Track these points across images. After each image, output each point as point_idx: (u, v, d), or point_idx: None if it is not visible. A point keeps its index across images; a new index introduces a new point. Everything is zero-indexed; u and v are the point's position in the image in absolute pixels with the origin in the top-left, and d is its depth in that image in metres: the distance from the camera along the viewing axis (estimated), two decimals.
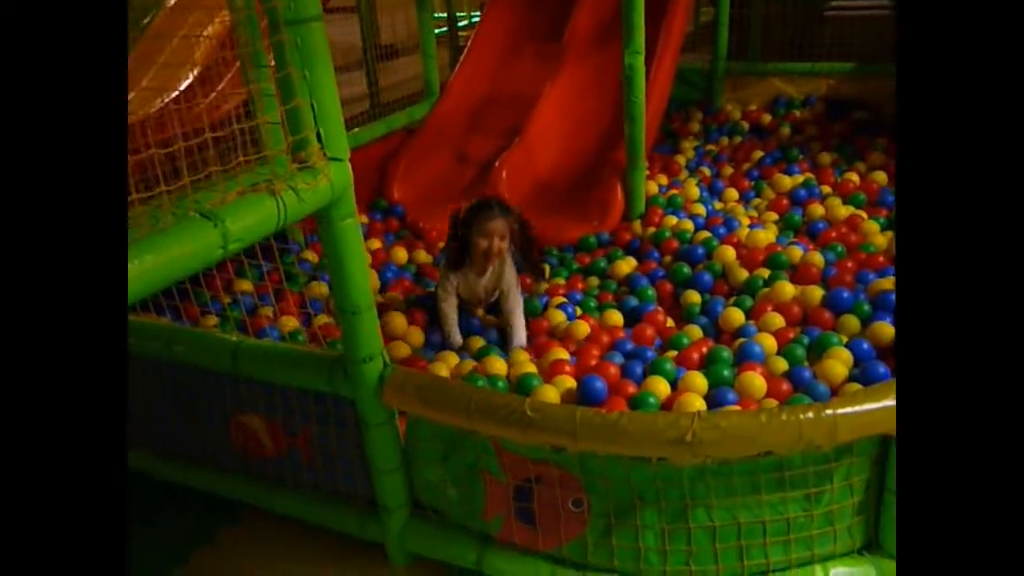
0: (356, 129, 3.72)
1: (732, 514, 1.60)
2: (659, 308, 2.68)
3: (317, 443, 1.85)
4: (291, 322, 2.67)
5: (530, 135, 3.83)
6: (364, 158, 3.76)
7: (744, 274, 2.73)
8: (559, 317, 2.69)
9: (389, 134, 3.92)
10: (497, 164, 3.71)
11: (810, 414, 1.47)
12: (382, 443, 1.73)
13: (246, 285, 2.93)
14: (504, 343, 2.56)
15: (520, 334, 2.51)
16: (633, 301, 2.77)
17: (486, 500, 1.72)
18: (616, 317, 2.62)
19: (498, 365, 2.21)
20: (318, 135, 1.40)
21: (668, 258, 3.03)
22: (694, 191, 3.53)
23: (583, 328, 2.57)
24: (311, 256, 3.21)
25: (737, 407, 1.96)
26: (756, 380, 2.09)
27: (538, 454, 1.61)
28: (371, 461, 1.76)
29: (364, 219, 3.68)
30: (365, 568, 1.89)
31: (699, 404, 2.00)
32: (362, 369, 1.63)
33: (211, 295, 2.85)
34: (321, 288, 2.84)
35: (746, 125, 4.41)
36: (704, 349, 2.35)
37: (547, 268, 3.05)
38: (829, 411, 1.47)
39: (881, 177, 3.46)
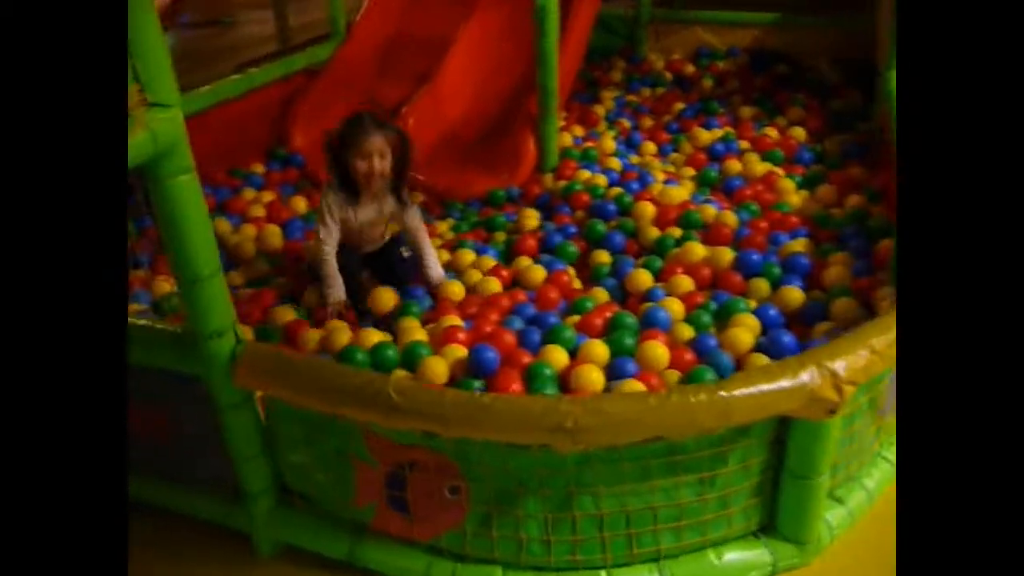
0: (252, 70, 3.42)
1: (621, 501, 1.48)
2: (567, 269, 2.54)
3: (172, 423, 1.66)
4: (166, 285, 2.44)
5: (440, 81, 3.60)
6: (261, 102, 3.49)
7: (655, 233, 2.60)
8: (468, 257, 2.53)
9: (289, 76, 3.63)
10: (404, 111, 3.47)
11: (703, 396, 1.34)
12: (240, 427, 1.55)
13: None
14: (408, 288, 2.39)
15: (436, 267, 2.41)
16: (547, 258, 2.62)
17: (356, 487, 1.56)
18: (539, 272, 2.47)
19: (378, 336, 2.04)
20: (134, 71, 1.18)
21: (580, 213, 2.88)
22: (610, 144, 3.38)
23: (493, 285, 2.42)
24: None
25: (635, 381, 1.85)
26: (658, 349, 1.97)
27: (409, 438, 1.45)
28: (230, 446, 1.57)
29: (261, 168, 3.43)
30: (230, 559, 1.72)
31: (596, 376, 1.88)
32: (210, 346, 1.44)
33: None
34: None
35: (669, 76, 4.26)
36: (608, 314, 2.21)
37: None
38: (723, 392, 1.35)
39: (799, 133, 3.36)
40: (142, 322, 1.56)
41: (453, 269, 2.56)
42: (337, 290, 2.25)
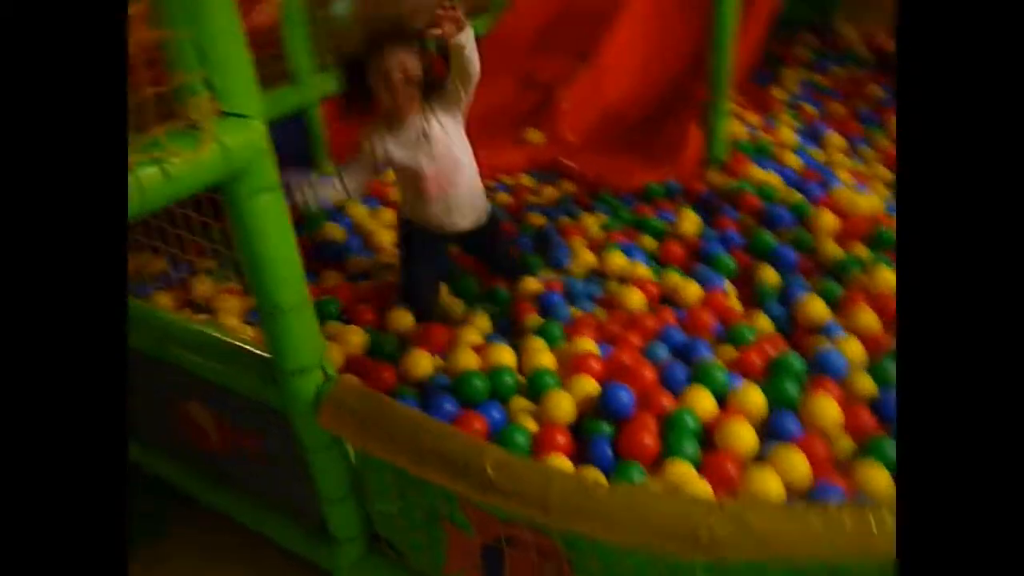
0: None
1: None
2: (725, 287, 2.20)
3: (265, 447, 1.53)
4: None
5: (600, 59, 3.30)
6: None
7: (836, 251, 2.21)
8: (619, 259, 2.26)
9: None
10: (559, 92, 3.21)
11: (888, 521, 1.01)
12: (327, 468, 1.38)
13: None
14: None
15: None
16: (703, 269, 2.30)
17: (448, 552, 1.36)
18: (693, 288, 2.16)
19: (505, 355, 1.81)
20: (206, 79, 1.00)
21: (747, 218, 2.51)
22: (789, 135, 2.95)
23: (637, 298, 2.14)
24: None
25: (793, 448, 1.52)
26: (829, 407, 1.63)
27: (507, 514, 1.22)
28: (317, 487, 1.42)
29: None
30: None
31: (748, 435, 1.57)
32: (293, 383, 1.27)
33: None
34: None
35: (868, 54, 3.71)
36: (772, 352, 1.88)
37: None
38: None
39: None
40: (232, 340, 1.42)
41: (600, 274, 2.29)
42: (303, 193, 1.88)
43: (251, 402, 1.46)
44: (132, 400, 1.73)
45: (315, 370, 1.27)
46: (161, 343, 1.45)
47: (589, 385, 1.73)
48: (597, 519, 1.07)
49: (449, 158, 1.97)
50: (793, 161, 2.75)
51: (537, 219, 2.71)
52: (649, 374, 1.76)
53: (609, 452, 1.61)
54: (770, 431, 1.62)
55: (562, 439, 1.63)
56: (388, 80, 1.82)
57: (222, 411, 1.57)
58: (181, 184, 0.98)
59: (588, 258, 2.34)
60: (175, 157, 0.96)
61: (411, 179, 1.97)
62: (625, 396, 1.67)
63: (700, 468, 1.52)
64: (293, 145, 2.89)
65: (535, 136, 3.17)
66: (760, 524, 1.03)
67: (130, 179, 0.92)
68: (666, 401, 1.69)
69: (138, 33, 0.93)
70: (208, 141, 1.00)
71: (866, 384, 1.72)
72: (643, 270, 2.25)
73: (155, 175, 0.95)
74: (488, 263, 2.29)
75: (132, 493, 1.83)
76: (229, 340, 1.41)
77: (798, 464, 1.48)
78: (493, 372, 1.77)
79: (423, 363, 1.76)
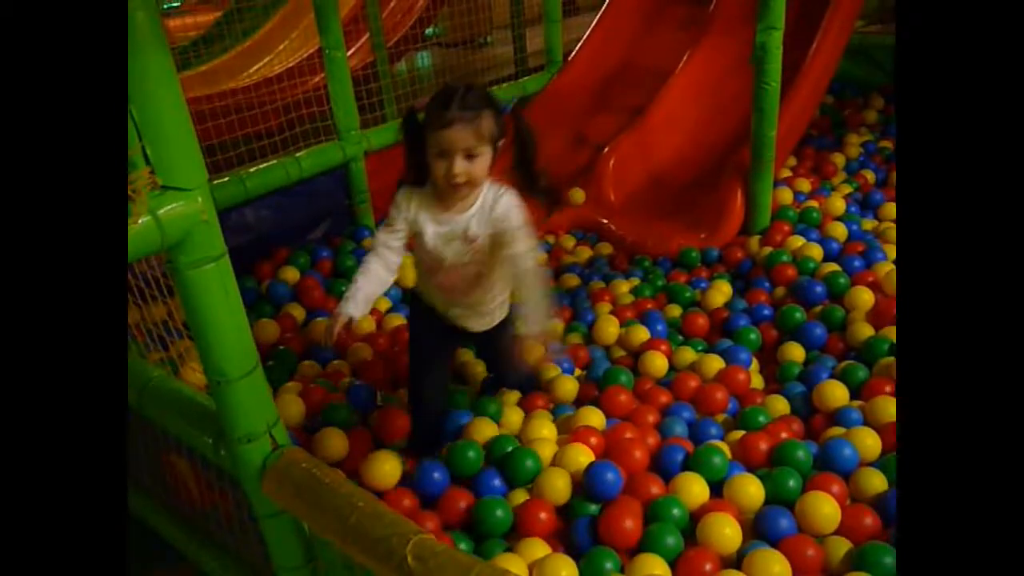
0: None
1: None
2: (748, 364, 2.10)
3: (234, 508, 1.53)
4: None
5: (650, 119, 3.26)
6: None
7: (867, 331, 2.08)
8: (641, 335, 2.20)
9: None
10: (606, 151, 3.19)
11: None
12: (279, 537, 1.36)
13: (291, 274, 2.67)
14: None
15: (538, 310, 1.56)
16: (726, 343, 2.21)
17: None
18: (711, 363, 2.07)
19: (486, 428, 1.78)
20: (144, 153, 1.02)
21: (780, 291, 2.41)
22: (839, 204, 2.83)
23: (659, 363, 2.08)
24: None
25: (772, 553, 1.41)
26: (826, 506, 1.51)
27: None
28: (270, 555, 1.40)
29: None
30: None
31: (731, 532, 1.48)
32: (241, 450, 1.26)
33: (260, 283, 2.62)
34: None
35: None
36: (783, 435, 1.77)
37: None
38: None
39: None
40: (194, 396, 1.43)
41: (623, 347, 2.23)
42: (355, 304, 1.58)
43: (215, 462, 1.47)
44: (128, 448, 1.79)
45: (262, 438, 1.26)
46: (139, 398, 1.48)
47: (586, 459, 1.67)
48: None
49: (475, 273, 1.67)
50: (839, 232, 2.62)
51: (572, 280, 2.68)
52: (639, 455, 1.69)
53: (587, 536, 1.55)
54: (761, 527, 1.52)
55: (545, 516, 1.58)
56: (448, 161, 1.49)
57: (198, 466, 1.58)
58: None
59: (611, 329, 2.29)
60: None
61: (427, 260, 1.68)
62: (611, 476, 1.60)
63: (676, 563, 1.44)
64: (337, 198, 2.97)
65: (578, 196, 3.15)
66: None
67: None
68: (654, 488, 1.61)
69: None
70: (140, 214, 1.02)
71: (875, 482, 1.59)
72: (660, 347, 2.16)
73: None
74: (494, 370, 2.05)
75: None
76: (191, 398, 1.42)
77: (779, 571, 1.38)
78: (489, 444, 1.75)
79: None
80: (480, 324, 1.80)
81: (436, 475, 1.69)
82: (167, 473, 1.71)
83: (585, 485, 1.62)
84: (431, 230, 1.61)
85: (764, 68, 2.50)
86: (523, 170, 1.64)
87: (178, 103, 1.04)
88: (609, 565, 1.43)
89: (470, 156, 1.50)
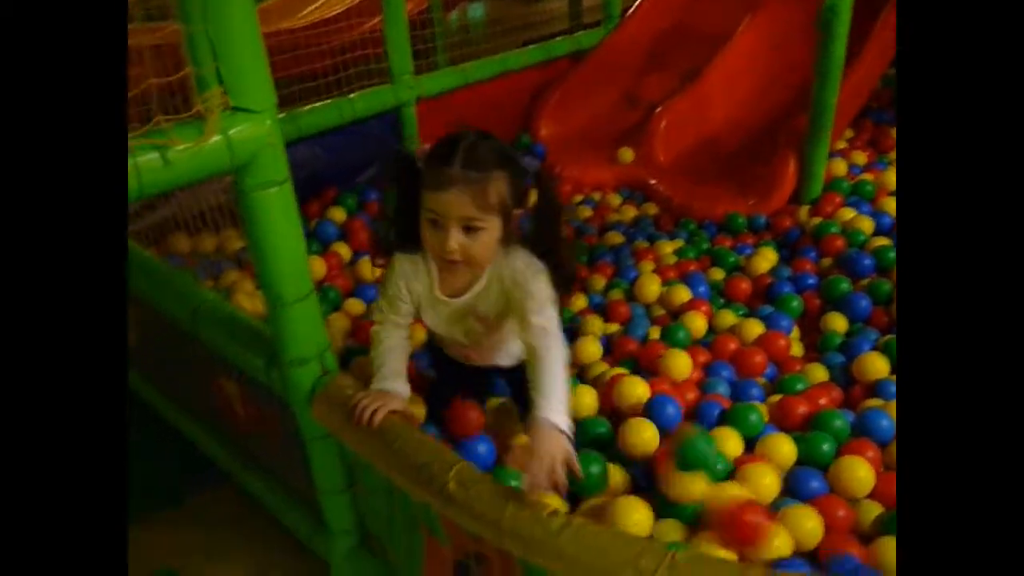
0: (503, 54, 3.29)
1: None
2: (789, 331, 2.09)
3: (281, 430, 1.58)
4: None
5: (706, 82, 3.21)
6: (513, 86, 3.36)
7: None
8: (683, 295, 2.20)
9: (549, 61, 3.45)
10: (658, 111, 3.15)
11: None
12: (323, 460, 1.41)
13: (339, 214, 2.71)
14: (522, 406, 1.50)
15: (557, 396, 1.23)
16: (767, 309, 2.21)
17: (424, 563, 1.36)
18: (751, 327, 2.07)
19: None
20: (217, 73, 1.04)
21: (827, 262, 2.39)
22: (894, 179, 2.77)
23: (699, 323, 2.08)
24: None
25: (807, 508, 1.43)
26: (861, 470, 1.51)
27: (476, 531, 1.21)
28: (313, 476, 1.45)
29: None
30: None
31: (770, 481, 1.49)
32: (292, 373, 1.31)
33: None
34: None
35: None
36: (822, 401, 1.77)
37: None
38: None
39: None
40: (247, 320, 1.47)
41: (664, 306, 2.24)
42: (390, 381, 1.34)
43: (266, 385, 1.52)
44: (174, 365, 1.85)
45: (313, 362, 1.30)
46: (193, 319, 1.53)
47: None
48: (545, 549, 1.04)
49: (495, 340, 1.46)
50: (892, 207, 2.58)
51: (616, 237, 2.68)
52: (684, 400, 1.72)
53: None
54: (793, 485, 1.53)
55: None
56: (442, 232, 1.21)
57: (247, 389, 1.63)
58: (181, 171, 1.03)
59: (653, 287, 2.29)
60: (177, 145, 1.02)
61: (435, 333, 1.48)
62: (672, 410, 1.63)
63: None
64: (387, 141, 2.98)
65: (626, 155, 3.13)
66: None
67: (129, 163, 0.98)
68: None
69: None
70: (212, 133, 1.04)
71: None
72: (701, 305, 2.17)
73: (154, 161, 1.00)
74: (519, 402, 1.61)
75: (151, 463, 1.97)
76: (244, 321, 1.46)
77: (812, 527, 1.39)
78: None
79: None
80: (510, 360, 1.53)
81: (482, 448, 1.55)
82: (216, 397, 1.77)
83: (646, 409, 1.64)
84: (431, 312, 1.38)
85: (830, 32, 2.44)
86: (540, 248, 1.30)
87: (252, 26, 1.06)
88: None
89: (470, 228, 1.20)
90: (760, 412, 1.70)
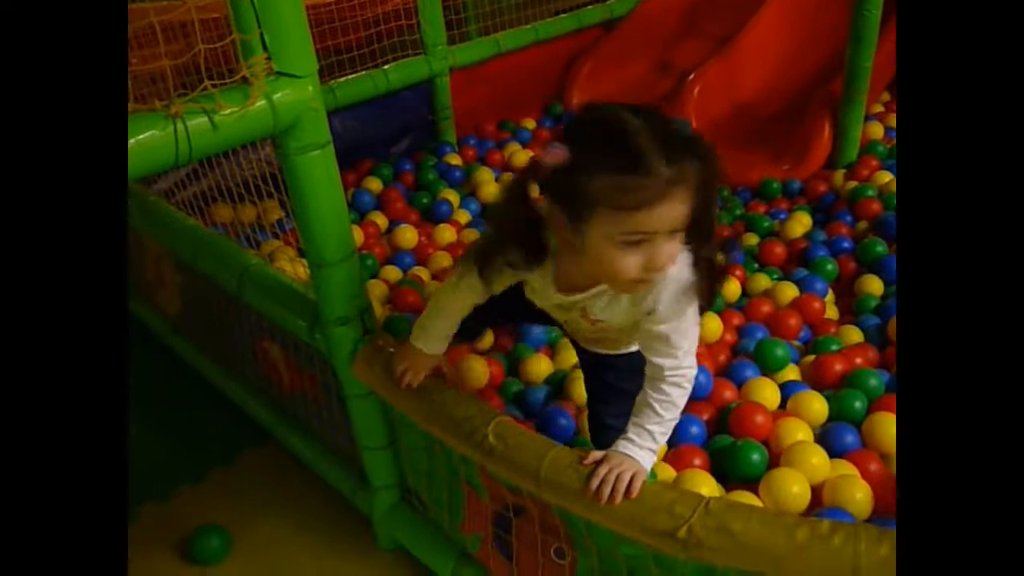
0: (539, 22, 3.28)
1: None
2: (824, 293, 2.10)
3: (322, 390, 1.63)
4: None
5: (739, 46, 3.18)
6: (545, 55, 3.35)
7: None
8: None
9: (581, 29, 3.44)
10: (691, 78, 3.13)
11: (882, 549, 0.96)
12: (364, 417, 1.45)
13: (375, 184, 2.75)
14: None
15: (658, 440, 1.12)
16: (802, 272, 2.21)
17: (465, 514, 1.40)
18: (786, 290, 2.08)
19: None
20: (262, 40, 1.08)
21: (863, 225, 2.37)
22: None
23: (733, 287, 2.10)
24: (457, 161, 2.93)
25: (845, 463, 1.45)
26: (893, 425, 1.53)
27: (514, 483, 1.25)
28: (355, 433, 1.50)
29: (532, 124, 3.32)
30: (353, 542, 1.68)
31: (803, 435, 1.52)
32: (334, 332, 1.35)
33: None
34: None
35: None
36: (857, 360, 1.79)
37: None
38: None
39: None
40: (291, 283, 1.52)
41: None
42: (433, 342, 1.27)
43: (308, 346, 1.57)
44: (219, 330, 1.91)
45: (355, 321, 1.34)
46: (239, 283, 1.58)
47: None
48: (582, 498, 1.08)
49: (601, 338, 1.30)
50: None
51: None
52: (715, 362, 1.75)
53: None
54: (826, 441, 1.55)
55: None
56: (648, 248, 0.96)
57: (290, 351, 1.69)
58: (228, 134, 1.07)
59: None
60: (224, 110, 1.05)
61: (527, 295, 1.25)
62: (703, 379, 1.66)
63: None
64: (421, 112, 3.01)
65: None
66: (743, 530, 1.00)
67: (179, 127, 1.02)
68: (726, 392, 1.67)
69: None
70: (257, 97, 1.08)
71: None
72: (737, 270, 2.18)
73: (203, 125, 1.04)
74: (594, 406, 1.44)
75: (208, 419, 2.03)
76: (288, 284, 1.51)
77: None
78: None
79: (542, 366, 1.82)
80: (601, 347, 1.34)
81: (563, 421, 1.63)
82: (260, 359, 1.83)
83: None
84: (533, 291, 1.20)
85: None
86: (696, 242, 1.03)
87: None
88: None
89: (673, 230, 0.96)
90: (785, 347, 1.75)
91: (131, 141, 0.99)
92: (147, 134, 1.00)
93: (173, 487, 1.88)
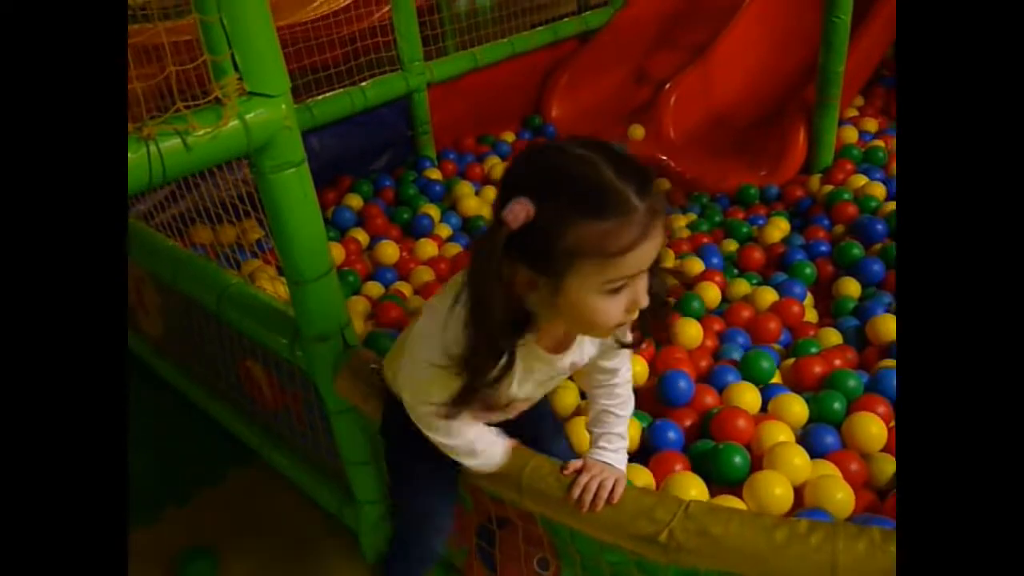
0: (511, 37, 3.31)
1: None
2: (802, 297, 2.12)
3: (304, 408, 1.63)
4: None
5: (714, 56, 3.23)
6: (523, 68, 3.38)
7: None
8: (696, 266, 2.24)
9: (557, 42, 3.47)
10: (667, 87, 3.17)
11: (860, 546, 0.97)
12: (347, 432, 1.45)
13: (355, 201, 2.75)
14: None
15: (624, 444, 1.15)
16: (781, 276, 2.24)
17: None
18: (765, 294, 2.11)
19: None
20: (233, 61, 1.09)
21: (839, 228, 2.40)
22: None
23: (713, 294, 2.12)
24: (437, 175, 2.95)
25: (825, 463, 1.46)
26: (873, 426, 1.55)
27: (497, 493, 1.25)
28: (338, 448, 1.50)
29: (511, 137, 3.34)
30: (340, 556, 1.68)
31: (785, 437, 1.53)
32: (316, 348, 1.35)
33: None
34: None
35: None
36: (837, 362, 1.80)
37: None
38: (892, 548, 0.96)
39: None
40: (270, 302, 1.52)
41: (678, 279, 2.27)
42: (497, 448, 1.13)
43: (290, 363, 1.57)
44: (203, 350, 1.91)
45: (335, 338, 1.35)
46: (219, 303, 1.58)
47: (639, 367, 1.77)
48: (565, 508, 1.09)
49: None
50: None
51: None
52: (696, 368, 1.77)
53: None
54: (807, 443, 1.56)
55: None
56: (630, 292, 0.89)
57: (272, 370, 1.69)
58: (201, 155, 1.07)
59: (668, 261, 2.32)
60: (197, 131, 1.06)
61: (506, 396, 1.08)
62: (684, 384, 1.67)
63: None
64: (399, 128, 3.02)
65: (637, 132, 3.15)
66: (723, 532, 1.01)
67: (151, 149, 1.03)
68: (707, 397, 1.68)
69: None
70: (230, 117, 1.09)
71: None
72: (715, 277, 2.20)
73: (176, 146, 1.04)
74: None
75: (193, 440, 2.03)
76: (268, 303, 1.51)
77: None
78: None
79: None
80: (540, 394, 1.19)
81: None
82: (243, 378, 1.83)
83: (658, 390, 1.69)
84: (520, 379, 1.03)
85: (835, 0, 2.45)
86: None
87: (265, 15, 1.10)
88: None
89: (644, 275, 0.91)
90: (771, 359, 1.76)
91: None
92: None
93: (160, 509, 1.88)
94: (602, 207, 0.83)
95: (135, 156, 1.02)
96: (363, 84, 2.79)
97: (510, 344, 0.95)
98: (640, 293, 0.90)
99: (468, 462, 1.12)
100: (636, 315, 0.93)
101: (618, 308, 0.90)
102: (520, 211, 0.85)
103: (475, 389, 0.97)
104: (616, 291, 0.88)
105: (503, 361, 0.95)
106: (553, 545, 1.24)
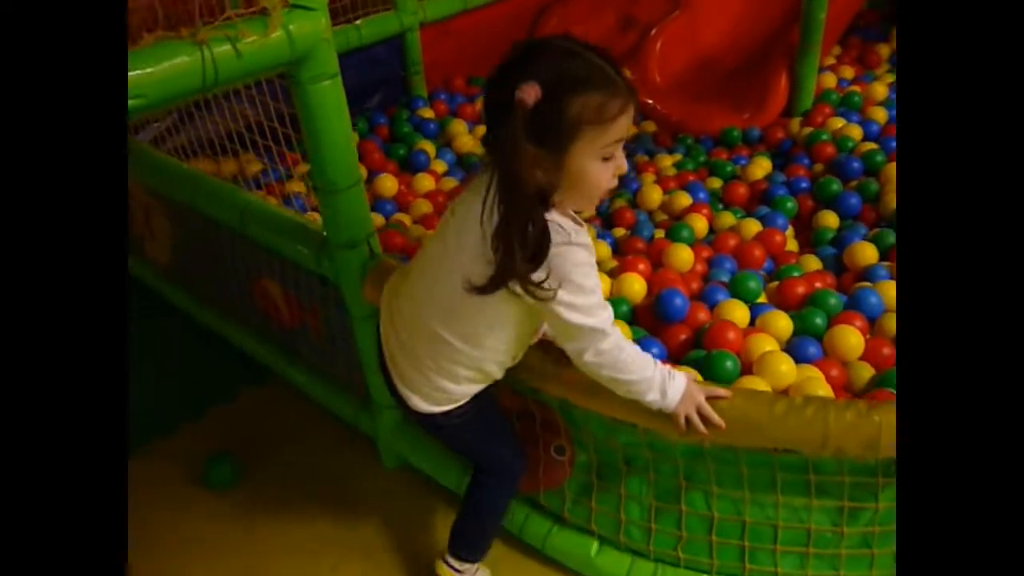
0: None
1: (736, 507, 1.29)
2: (784, 228, 2.24)
3: (323, 321, 1.72)
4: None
5: (700, 2, 3.29)
6: (511, 11, 3.42)
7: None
8: (684, 200, 2.34)
9: None
10: (653, 33, 3.24)
11: (848, 416, 1.10)
12: (368, 338, 1.55)
13: None
14: None
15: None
16: (764, 210, 2.36)
17: None
18: (750, 225, 2.23)
19: None
20: None
21: (819, 167, 2.53)
22: (882, 90, 2.89)
23: (700, 225, 2.23)
24: (430, 114, 3.01)
25: (813, 367, 1.59)
26: (852, 337, 1.68)
27: (519, 385, 1.37)
28: (360, 355, 1.60)
29: None
30: (358, 463, 1.79)
31: (771, 347, 1.65)
32: (342, 255, 1.44)
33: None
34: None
35: None
36: (817, 284, 1.94)
37: None
38: (876, 417, 1.10)
39: None
40: (291, 215, 1.60)
41: (666, 212, 2.38)
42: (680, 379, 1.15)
43: (311, 279, 1.65)
44: (216, 272, 1.98)
45: (362, 245, 1.44)
46: (243, 219, 1.65)
47: (639, 285, 1.87)
48: (588, 390, 1.20)
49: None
50: (879, 115, 2.71)
51: None
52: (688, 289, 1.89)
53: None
54: (792, 353, 1.68)
55: None
56: (617, 156, 1.06)
57: (290, 288, 1.77)
58: (251, 62, 1.15)
59: (655, 195, 2.43)
60: (246, 37, 1.13)
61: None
62: (679, 301, 1.78)
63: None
64: (393, 67, 3.07)
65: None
66: (727, 405, 1.13)
67: (205, 54, 1.10)
68: (700, 314, 1.79)
69: None
70: (275, 27, 1.16)
71: (895, 326, 1.75)
72: (702, 209, 2.31)
73: (228, 52, 1.12)
74: None
75: (206, 360, 2.11)
76: (294, 218, 1.60)
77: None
78: None
79: None
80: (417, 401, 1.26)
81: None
82: (259, 297, 1.91)
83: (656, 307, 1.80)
84: None
85: None
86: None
87: None
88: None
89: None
90: (757, 280, 1.89)
91: (160, 67, 1.06)
92: (176, 60, 1.08)
93: (174, 424, 1.96)
94: (596, 81, 1.01)
95: (190, 59, 1.09)
96: (357, 22, 2.82)
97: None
98: (622, 161, 1.07)
99: (646, 374, 1.12)
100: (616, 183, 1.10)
101: (609, 173, 1.07)
102: (531, 91, 0.99)
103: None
104: (607, 160, 1.05)
105: None
106: (568, 432, 1.36)
